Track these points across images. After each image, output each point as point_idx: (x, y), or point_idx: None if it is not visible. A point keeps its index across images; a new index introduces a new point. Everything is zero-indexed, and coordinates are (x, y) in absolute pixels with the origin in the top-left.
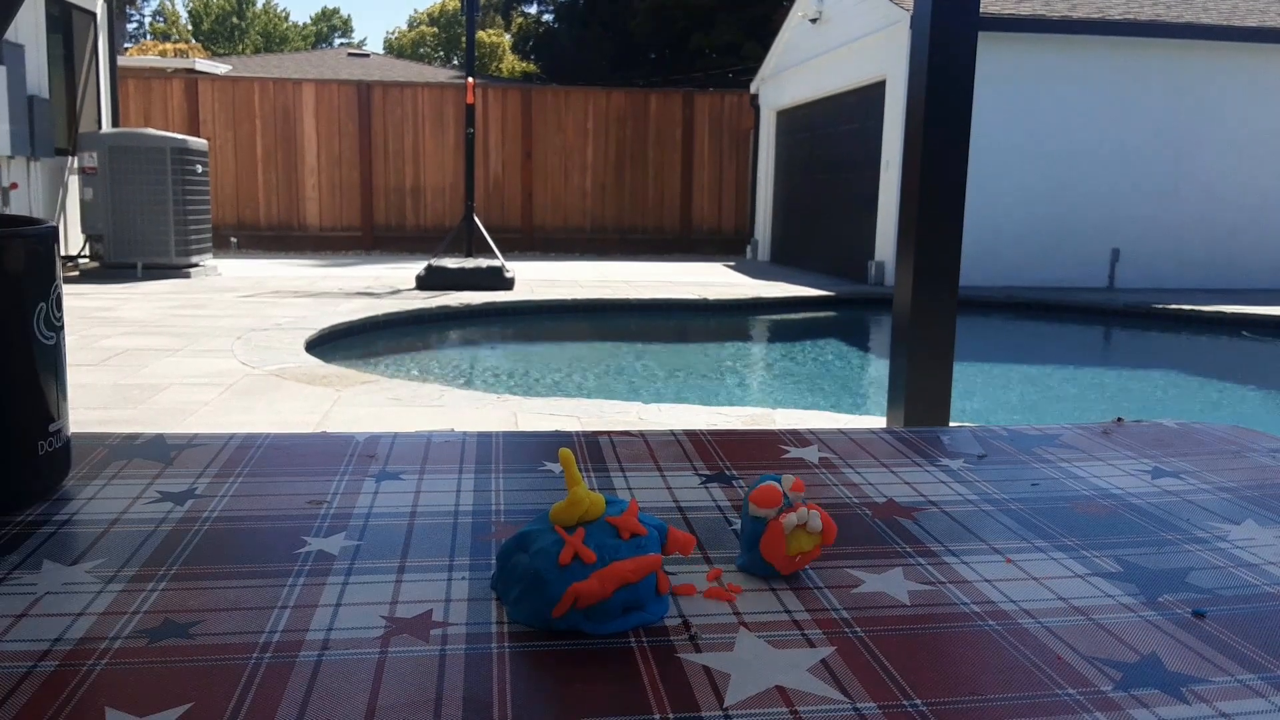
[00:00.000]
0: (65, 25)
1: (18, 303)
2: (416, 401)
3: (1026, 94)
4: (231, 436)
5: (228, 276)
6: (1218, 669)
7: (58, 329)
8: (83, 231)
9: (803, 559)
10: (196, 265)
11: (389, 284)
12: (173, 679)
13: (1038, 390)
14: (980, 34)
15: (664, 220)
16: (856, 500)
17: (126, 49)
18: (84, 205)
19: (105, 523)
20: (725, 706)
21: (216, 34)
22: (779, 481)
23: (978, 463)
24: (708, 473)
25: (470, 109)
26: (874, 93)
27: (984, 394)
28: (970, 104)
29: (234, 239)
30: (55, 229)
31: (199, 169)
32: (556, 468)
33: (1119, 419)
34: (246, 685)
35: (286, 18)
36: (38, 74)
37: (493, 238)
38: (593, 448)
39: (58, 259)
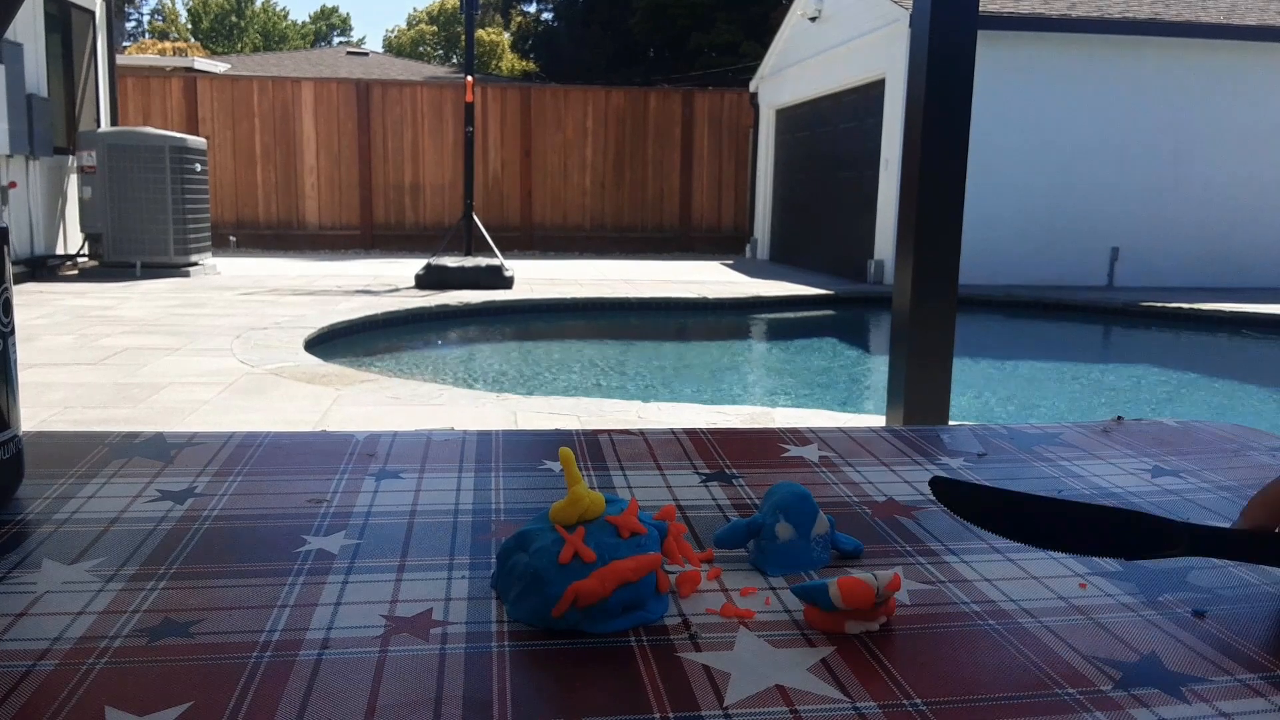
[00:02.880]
0: (64, 24)
1: None
2: (416, 400)
3: (1025, 92)
4: (231, 435)
5: (227, 275)
6: (1218, 668)
7: (6, 334)
8: (82, 230)
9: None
10: (195, 264)
11: (388, 283)
12: (172, 678)
13: (1037, 389)
14: (979, 33)
15: (663, 219)
16: (856, 499)
17: (125, 48)
18: (83, 204)
19: (105, 521)
20: (725, 706)
21: (216, 33)
22: (874, 577)
23: (978, 461)
24: (708, 471)
25: (469, 107)
26: (873, 91)
27: (983, 392)
28: (970, 102)
29: (233, 237)
30: (5, 229)
31: (198, 168)
32: (556, 466)
33: (1119, 417)
34: (246, 684)
35: (285, 16)
36: (36, 73)
37: (492, 236)
38: (592, 446)
39: (7, 260)
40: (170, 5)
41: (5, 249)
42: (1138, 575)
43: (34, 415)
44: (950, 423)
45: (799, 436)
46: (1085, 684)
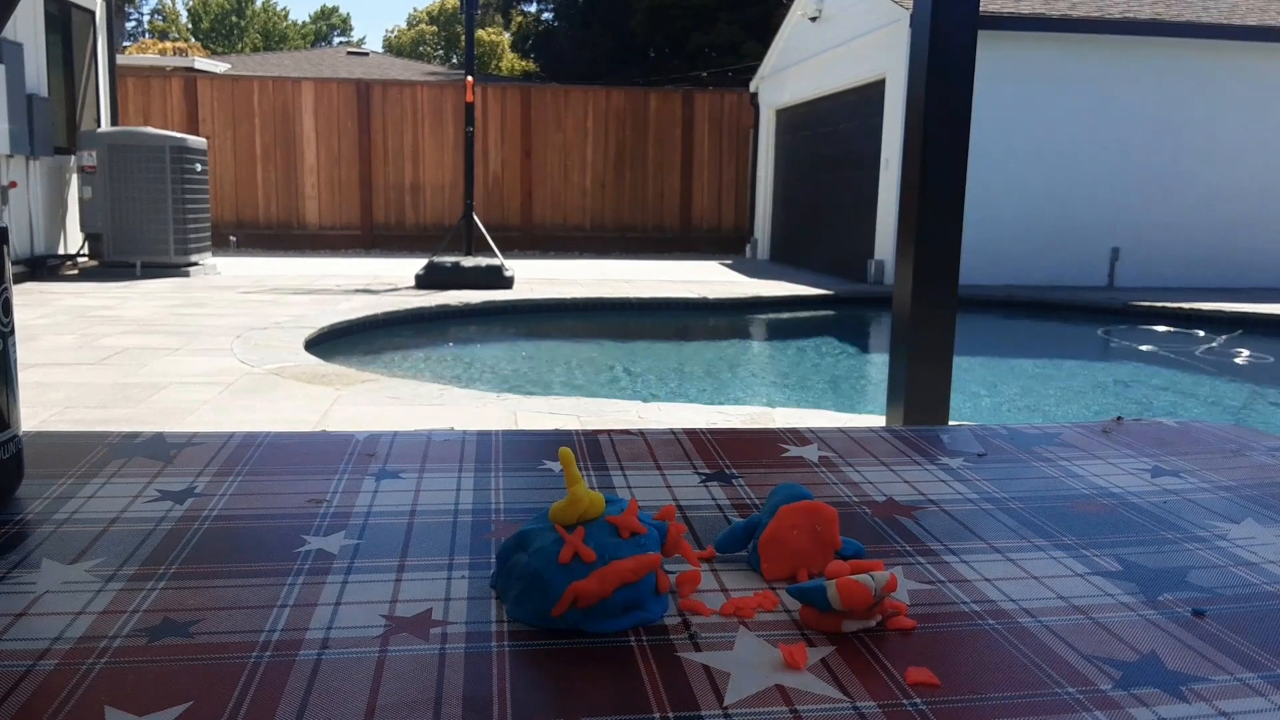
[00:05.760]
0: (64, 24)
1: None
2: (416, 400)
3: (1026, 92)
4: (231, 435)
5: (227, 275)
6: (1217, 668)
7: (6, 334)
8: (82, 230)
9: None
10: (196, 264)
11: (388, 282)
12: (172, 678)
13: (1037, 389)
14: (980, 32)
15: (663, 219)
16: (856, 499)
17: (125, 47)
18: (83, 204)
19: (105, 521)
20: (725, 706)
21: (216, 32)
22: (871, 579)
23: (977, 461)
24: (707, 471)
25: (470, 107)
26: (874, 91)
27: (983, 392)
28: (970, 102)
29: (233, 237)
30: (5, 229)
31: (198, 167)
32: (556, 466)
33: (1119, 418)
34: (246, 684)
35: (286, 16)
36: (37, 72)
37: (492, 236)
38: (592, 446)
39: (7, 260)
40: (170, 5)
41: (5, 249)
42: (1138, 575)
43: (34, 415)
44: (950, 423)
45: (799, 437)
46: (1085, 683)
